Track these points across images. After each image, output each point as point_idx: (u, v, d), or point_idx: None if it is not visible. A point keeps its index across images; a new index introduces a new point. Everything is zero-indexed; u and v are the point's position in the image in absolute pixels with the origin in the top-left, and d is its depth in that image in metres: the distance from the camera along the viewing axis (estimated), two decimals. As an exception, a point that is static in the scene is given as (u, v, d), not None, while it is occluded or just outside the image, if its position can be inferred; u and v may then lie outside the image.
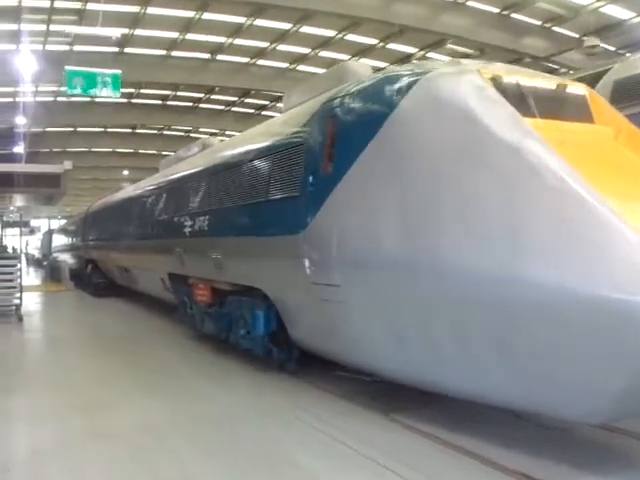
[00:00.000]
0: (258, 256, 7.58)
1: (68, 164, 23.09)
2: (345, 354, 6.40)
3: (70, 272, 25.66)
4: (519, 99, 5.04)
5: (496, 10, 19.43)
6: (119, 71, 15.41)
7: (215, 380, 8.05)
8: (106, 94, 15.55)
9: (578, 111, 5.41)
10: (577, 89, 5.68)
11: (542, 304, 4.15)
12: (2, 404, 6.94)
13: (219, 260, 8.88)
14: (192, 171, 10.70)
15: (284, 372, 8.10)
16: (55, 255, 32.50)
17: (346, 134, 5.91)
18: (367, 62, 22.71)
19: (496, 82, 5.13)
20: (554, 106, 5.28)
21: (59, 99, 28.12)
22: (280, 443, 5.57)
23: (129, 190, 17.45)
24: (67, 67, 15.29)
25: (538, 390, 4.44)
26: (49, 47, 20.70)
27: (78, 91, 15.43)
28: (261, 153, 7.69)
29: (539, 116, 4.96)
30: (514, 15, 19.57)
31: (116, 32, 15.86)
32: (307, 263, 6.28)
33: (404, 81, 5.51)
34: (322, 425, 5.94)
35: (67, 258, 27.99)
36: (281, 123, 7.90)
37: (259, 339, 7.96)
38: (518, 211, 4.29)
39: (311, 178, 6.30)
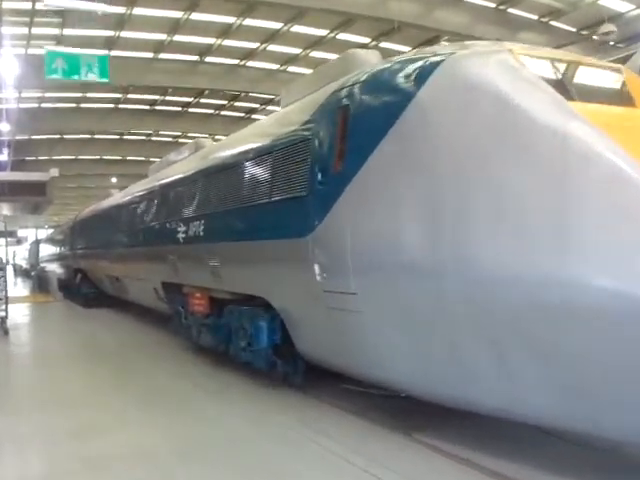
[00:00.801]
0: (260, 262, 7.01)
1: (54, 171, 22.40)
2: (359, 368, 5.84)
3: (58, 282, 25.02)
4: (557, 81, 4.52)
5: (492, 5, 19.00)
6: (107, 52, 13.72)
7: (215, 397, 7.47)
8: (92, 79, 13.53)
9: (618, 94, 4.88)
10: (614, 71, 5.15)
11: (596, 310, 3.60)
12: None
13: (216, 267, 8.30)
14: (185, 174, 10.11)
15: (289, 386, 7.54)
16: (43, 265, 31.77)
17: (359, 126, 5.36)
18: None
19: (530, 63, 4.59)
20: (593, 89, 4.76)
21: (44, 105, 27.44)
22: (289, 469, 5.01)
23: (118, 197, 16.83)
24: (47, 47, 13.66)
25: (589, 408, 3.89)
26: (32, 51, 19.98)
27: (58, 76, 13.36)
28: (261, 152, 7.13)
29: (579, 99, 4.42)
30: (511, 10, 19.15)
31: (103, 7, 13.20)
32: (317, 269, 5.72)
33: (426, 63, 4.96)
34: (335, 446, 5.40)
35: (55, 268, 27.31)
36: (282, 119, 7.35)
37: (262, 352, 7.38)
38: (568, 205, 3.75)
39: (319, 176, 5.74)
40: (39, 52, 19.87)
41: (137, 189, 14.15)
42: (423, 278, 4.56)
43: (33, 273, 30.91)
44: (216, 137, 32.11)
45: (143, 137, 35.70)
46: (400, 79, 5.13)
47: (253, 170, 7.26)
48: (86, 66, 13.22)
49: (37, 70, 19.88)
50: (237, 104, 29.51)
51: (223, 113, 30.95)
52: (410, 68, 5.10)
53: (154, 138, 36.16)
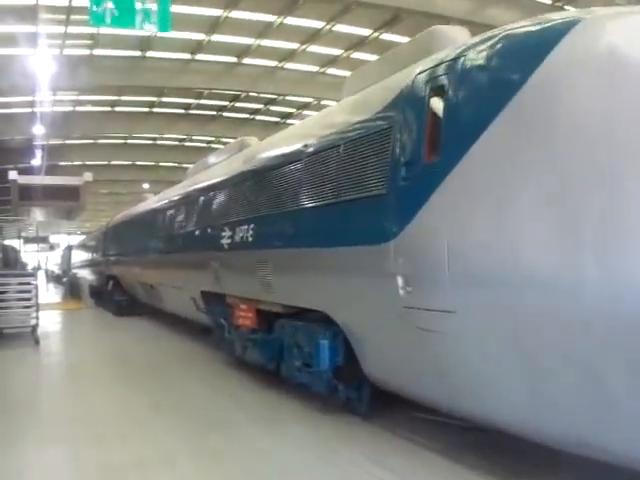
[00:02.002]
0: (323, 272, 6.11)
1: (88, 176, 22.07)
2: (448, 399, 4.88)
3: (90, 289, 24.51)
4: None
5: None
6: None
7: (267, 425, 6.55)
8: (149, 30, 10.78)
9: None
10: None
11: None
12: (2, 463, 5.48)
13: (267, 277, 7.42)
14: (230, 175, 9.28)
15: (352, 414, 6.62)
16: (75, 271, 31.39)
17: (459, 108, 4.44)
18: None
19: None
20: None
21: (78, 109, 27.03)
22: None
23: (153, 201, 16.11)
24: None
25: None
26: (67, 51, 19.47)
27: (106, 24, 10.27)
28: (324, 146, 6.24)
29: None
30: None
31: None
32: (399, 281, 4.79)
33: (549, 30, 4.01)
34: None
35: (87, 274, 26.83)
36: (350, 108, 6.43)
37: (321, 374, 6.47)
38: None
39: (403, 170, 4.82)
40: (74, 52, 19.51)
41: (174, 193, 13.39)
42: (553, 294, 3.60)
43: (65, 279, 30.48)
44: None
45: (176, 142, 35.18)
46: (515, 50, 4.19)
47: (314, 167, 6.36)
48: (142, 13, 9.99)
49: (72, 71, 19.52)
50: (273, 108, 28.74)
51: (258, 118, 30.20)
52: (527, 37, 4.16)
53: (187, 143, 35.62)
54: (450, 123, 4.46)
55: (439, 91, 4.63)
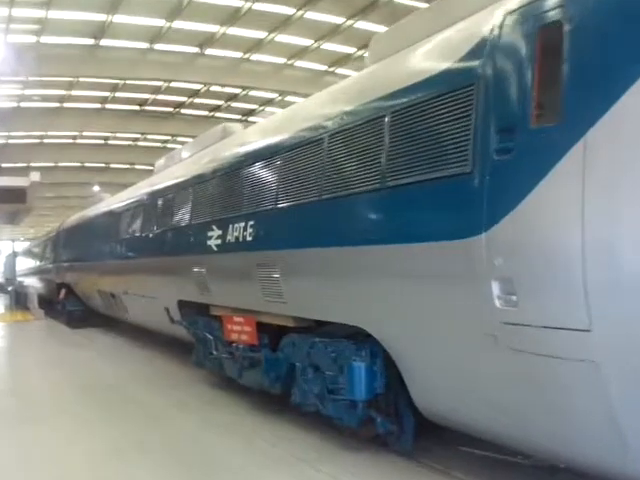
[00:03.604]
0: (363, 277, 4.83)
1: (35, 175, 20.26)
2: (556, 442, 3.68)
3: (39, 298, 22.50)
4: None
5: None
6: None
7: (289, 470, 5.22)
8: None
9: None
10: None
11: None
12: None
13: (274, 284, 6.11)
14: (218, 164, 7.90)
15: (389, 450, 5.40)
16: (21, 279, 29.16)
17: (592, 50, 3.24)
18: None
19: None
20: None
21: (23, 104, 24.94)
22: None
23: (115, 200, 14.48)
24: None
25: None
26: (11, 37, 17.59)
27: None
28: (362, 119, 4.95)
29: None
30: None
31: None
32: (495, 288, 3.57)
33: None
34: None
35: (35, 282, 24.80)
36: (389, 72, 5.15)
37: (354, 404, 5.20)
38: None
39: (497, 140, 3.61)
40: (20, 39, 17.69)
41: (141, 190, 11.86)
42: None
43: (10, 288, 28.18)
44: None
45: (129, 142, 33.24)
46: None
47: (347, 145, 5.08)
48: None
49: (17, 60, 17.68)
50: (234, 105, 27.24)
51: (218, 115, 28.63)
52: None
53: (141, 143, 33.72)
54: (577, 73, 3.27)
55: (553, 30, 3.42)
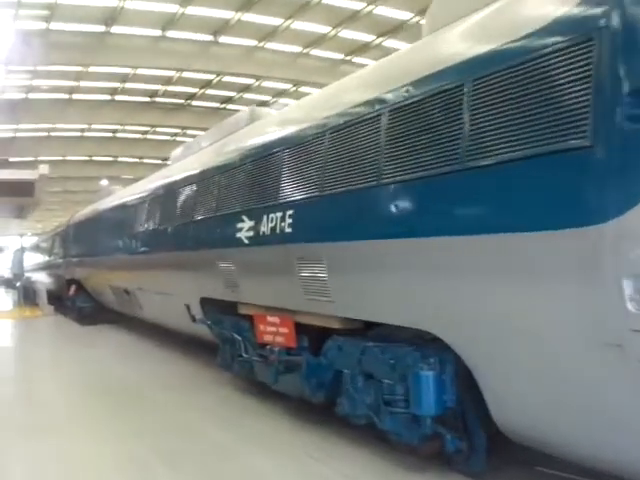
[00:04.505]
0: (435, 274, 4.15)
1: (44, 168, 19.79)
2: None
3: (48, 294, 21.91)
4: None
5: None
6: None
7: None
8: None
9: None
10: None
11: None
12: None
13: (321, 279, 5.44)
14: (250, 149, 7.21)
15: (454, 469, 4.73)
16: (29, 275, 28.60)
17: None
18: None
19: None
20: None
21: (31, 96, 24.33)
22: None
23: (129, 191, 13.82)
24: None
25: None
26: (20, 23, 16.93)
27: None
28: (440, 85, 4.21)
29: None
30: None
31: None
32: (628, 287, 2.88)
33: None
34: None
35: (44, 278, 24.21)
36: (463, 35, 4.43)
37: (419, 418, 4.53)
38: None
39: (629, 104, 2.92)
40: (28, 26, 17.04)
41: (158, 181, 11.19)
42: None
43: (18, 284, 27.61)
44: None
45: (138, 135, 32.62)
46: None
47: (412, 119, 4.38)
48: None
49: (25, 48, 17.07)
50: (246, 96, 26.54)
51: (230, 107, 27.93)
52: None
53: (150, 136, 33.10)
54: None
55: None
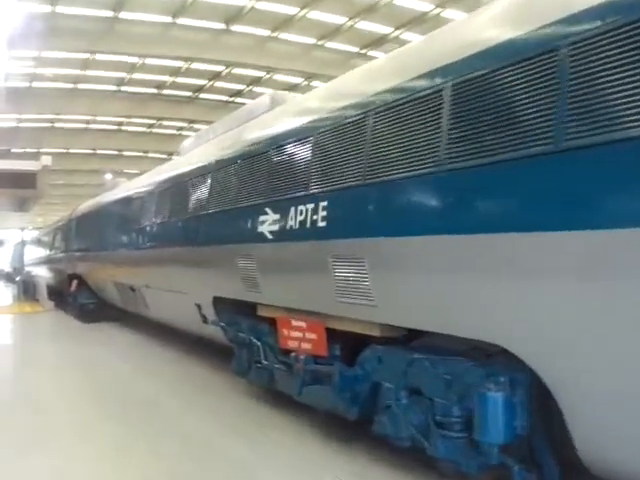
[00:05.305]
0: (515, 276, 3.47)
1: (46, 159, 19.22)
2: None
3: (49, 289, 21.26)
4: None
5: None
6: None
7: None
8: None
9: None
10: None
11: None
12: None
13: (362, 280, 4.76)
14: (273, 136, 6.52)
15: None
16: (29, 269, 27.94)
17: None
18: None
19: None
20: None
21: (35, 84, 23.66)
22: None
23: (136, 184, 13.14)
24: None
25: None
26: (24, 5, 16.24)
27: None
28: (528, 50, 3.51)
29: None
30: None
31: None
32: None
33: None
34: None
35: (44, 273, 23.56)
36: None
37: (483, 446, 3.85)
38: None
39: None
40: (33, 7, 16.36)
41: (168, 172, 10.52)
42: None
43: (18, 278, 26.94)
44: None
45: (144, 128, 31.92)
46: None
47: (484, 94, 3.69)
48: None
49: (29, 32, 16.41)
50: (256, 89, 25.83)
51: (238, 100, 27.25)
52: None
53: (155, 130, 32.43)
54: None
55: None
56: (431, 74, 4.19)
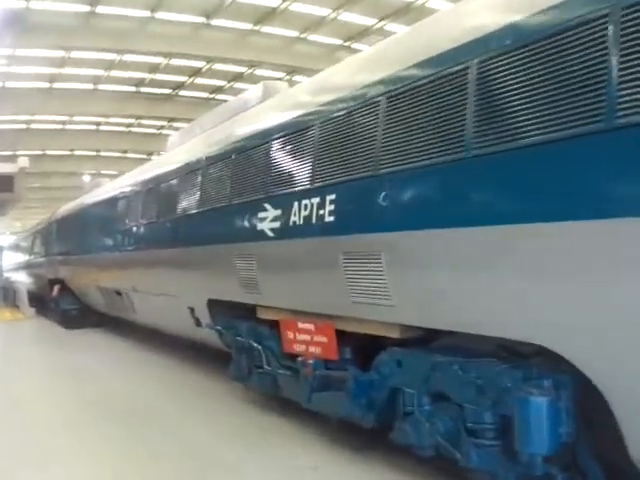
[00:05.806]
0: (559, 269, 3.14)
1: (24, 161, 18.72)
2: None
3: (29, 295, 20.64)
4: None
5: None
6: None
7: None
8: None
9: None
10: None
11: None
12: None
13: (378, 279, 4.41)
14: (271, 127, 6.14)
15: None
16: (8, 275, 27.21)
17: None
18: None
19: None
20: None
21: (8, 84, 22.94)
22: None
23: (120, 183, 12.66)
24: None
25: None
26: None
27: None
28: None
29: None
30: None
31: None
32: None
33: None
34: None
35: (25, 278, 22.90)
36: None
37: (521, 455, 3.52)
38: None
39: None
40: (7, 3, 15.77)
41: (155, 169, 10.09)
42: None
43: (-4, 284, 26.22)
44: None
45: (123, 127, 31.25)
46: None
47: (527, 68, 3.35)
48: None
49: (4, 29, 15.83)
50: (237, 85, 25.34)
51: (218, 97, 26.72)
52: None
53: (134, 129, 31.77)
54: None
55: None
56: (459, 51, 3.83)
